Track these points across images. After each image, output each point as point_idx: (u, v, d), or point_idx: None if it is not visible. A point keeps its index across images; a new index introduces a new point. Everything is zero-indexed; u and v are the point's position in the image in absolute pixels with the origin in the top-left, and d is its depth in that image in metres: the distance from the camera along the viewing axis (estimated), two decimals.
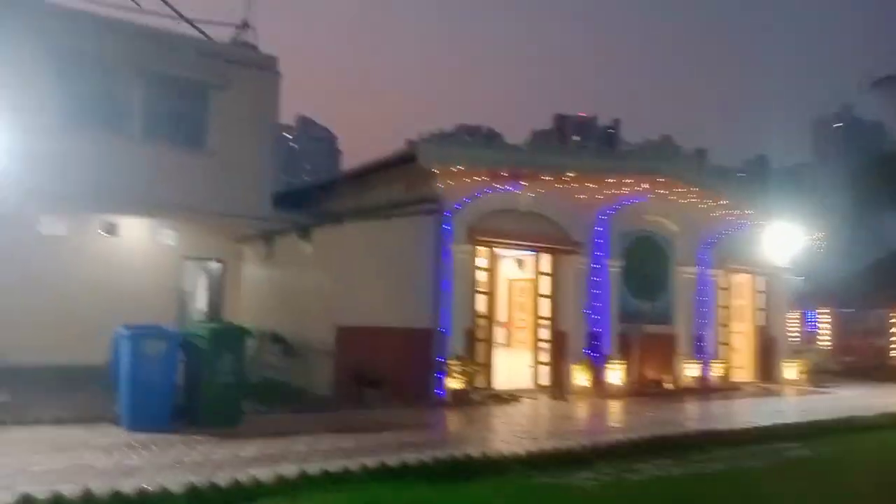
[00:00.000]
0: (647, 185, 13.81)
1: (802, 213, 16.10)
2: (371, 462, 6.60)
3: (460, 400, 10.92)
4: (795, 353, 17.05)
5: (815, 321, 27.03)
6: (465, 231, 11.84)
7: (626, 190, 13.76)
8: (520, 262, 17.59)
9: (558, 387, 12.61)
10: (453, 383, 11.10)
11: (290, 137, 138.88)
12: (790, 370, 16.22)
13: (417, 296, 11.32)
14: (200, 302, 15.91)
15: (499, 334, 21.49)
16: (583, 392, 12.55)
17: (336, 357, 10.63)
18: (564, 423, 9.77)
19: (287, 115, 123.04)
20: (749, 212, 15.40)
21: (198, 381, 8.09)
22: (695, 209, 14.74)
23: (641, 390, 13.22)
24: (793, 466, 7.64)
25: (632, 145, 14.38)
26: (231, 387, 7.97)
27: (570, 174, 12.58)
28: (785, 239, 15.23)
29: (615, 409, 11.58)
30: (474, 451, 7.25)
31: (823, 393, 14.78)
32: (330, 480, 6.05)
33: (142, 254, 13.85)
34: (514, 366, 14.13)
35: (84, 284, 12.71)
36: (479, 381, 12.04)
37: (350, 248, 11.15)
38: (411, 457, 6.92)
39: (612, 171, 13.26)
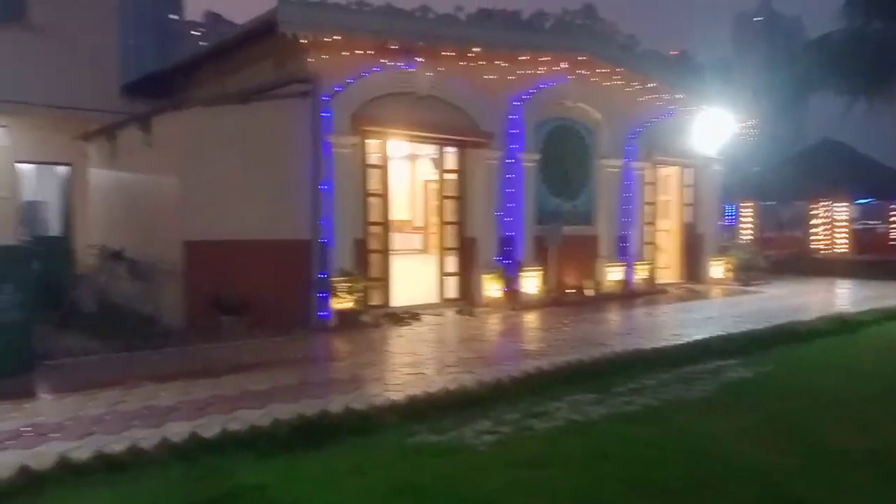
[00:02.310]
0: (566, 65, 11.93)
1: (732, 99, 14.56)
2: (184, 430, 4.78)
3: (348, 323, 9.17)
4: (721, 250, 16.00)
5: (736, 215, 26.47)
6: (349, 120, 9.75)
7: (542, 70, 11.84)
8: (434, 161, 15.62)
9: (466, 301, 11.02)
10: (339, 303, 9.31)
11: (199, 35, 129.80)
12: (717, 269, 15.23)
13: (290, 200, 9.26)
14: (51, 214, 13.47)
15: (414, 242, 19.86)
16: (495, 304, 11.02)
17: (188, 278, 8.58)
18: (466, 347, 8.17)
19: (195, 12, 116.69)
20: (679, 96, 13.76)
21: None
22: (620, 94, 12.97)
23: (560, 299, 11.82)
24: (731, 394, 6.28)
25: (548, 16, 12.09)
26: (14, 325, 5.87)
27: (476, 49, 10.50)
28: (716, 126, 13.69)
29: (529, 324, 10.09)
30: (336, 403, 5.52)
31: (753, 293, 13.77)
32: (105, 468, 4.21)
33: None
34: (422, 278, 12.48)
35: None
36: (376, 299, 10.32)
37: (203, 143, 8.89)
38: (248, 416, 5.15)
39: (525, 46, 11.23)
